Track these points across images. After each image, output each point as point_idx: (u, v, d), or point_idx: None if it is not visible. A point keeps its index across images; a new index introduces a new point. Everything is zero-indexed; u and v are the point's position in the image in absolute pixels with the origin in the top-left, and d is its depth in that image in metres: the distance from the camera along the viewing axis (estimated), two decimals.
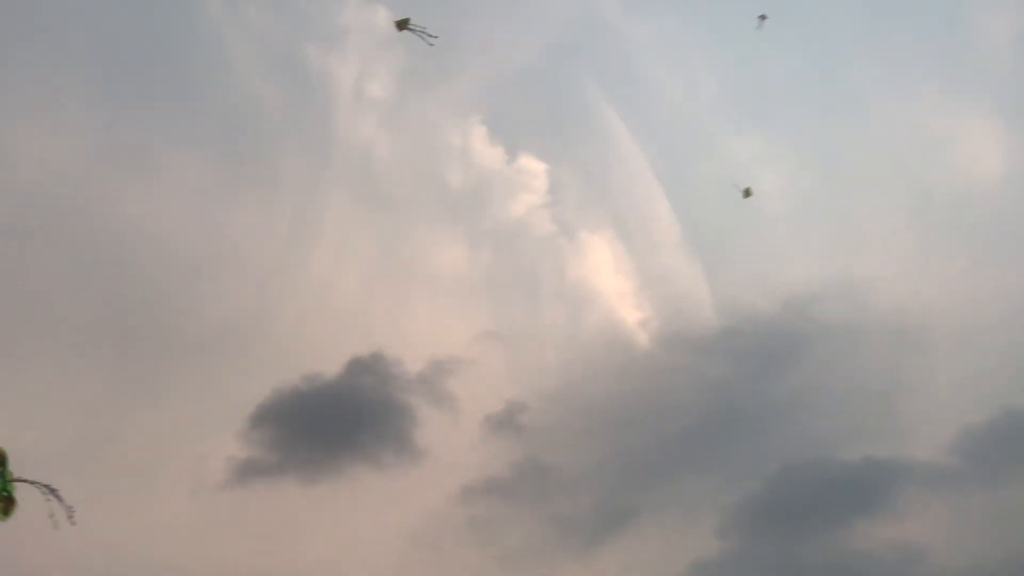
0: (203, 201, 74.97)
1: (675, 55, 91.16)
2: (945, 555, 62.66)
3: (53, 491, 20.64)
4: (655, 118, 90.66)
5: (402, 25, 46.05)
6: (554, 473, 69.60)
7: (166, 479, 61.31)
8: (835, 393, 73.53)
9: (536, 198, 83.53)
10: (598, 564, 65.06)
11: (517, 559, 64.22)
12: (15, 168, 67.43)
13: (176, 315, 68.32)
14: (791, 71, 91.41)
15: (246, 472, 63.38)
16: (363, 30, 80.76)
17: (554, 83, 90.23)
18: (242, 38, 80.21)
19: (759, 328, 77.03)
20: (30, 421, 58.80)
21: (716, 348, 77.29)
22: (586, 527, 66.66)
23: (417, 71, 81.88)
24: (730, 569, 64.37)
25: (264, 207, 76.34)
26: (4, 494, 20.35)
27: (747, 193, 61.28)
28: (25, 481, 20.64)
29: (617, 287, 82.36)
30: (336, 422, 68.14)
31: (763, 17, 58.52)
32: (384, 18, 52.29)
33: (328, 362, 68.73)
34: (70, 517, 20.42)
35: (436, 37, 45.70)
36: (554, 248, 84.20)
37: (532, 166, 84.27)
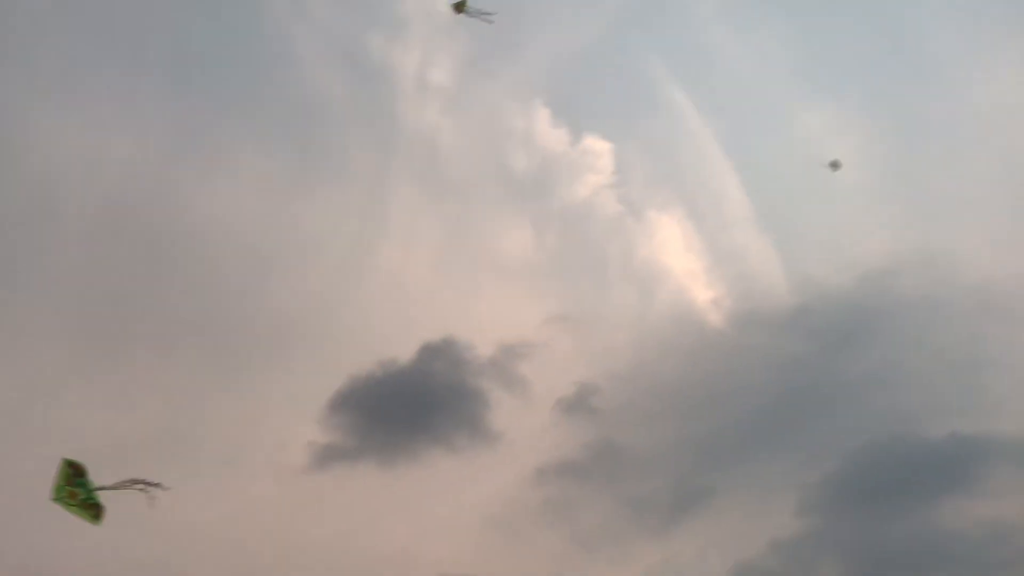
0: (274, 194, 76.79)
1: (742, 26, 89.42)
2: None
3: (137, 481, 22.08)
4: (722, 92, 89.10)
5: (459, 8, 46.26)
6: (628, 454, 69.68)
7: (251, 464, 63.23)
8: (917, 369, 71.86)
9: (602, 178, 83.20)
10: (674, 544, 65.05)
11: (593, 540, 64.59)
12: (96, 170, 70.18)
13: (253, 306, 70.37)
14: (865, 38, 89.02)
15: (326, 456, 65.08)
16: (424, 18, 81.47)
17: (617, 61, 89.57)
18: (307, 32, 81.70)
19: (834, 304, 75.67)
20: (123, 413, 61.63)
21: (790, 326, 76.27)
22: (662, 507, 66.65)
23: (478, 56, 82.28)
24: (809, 548, 63.68)
25: (333, 198, 77.87)
26: (91, 501, 22.04)
27: (835, 165, 60.23)
28: (109, 488, 22.25)
29: (687, 266, 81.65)
30: (411, 407, 69.29)
31: None
32: (444, 4, 52.73)
33: (401, 348, 70.07)
34: (155, 495, 21.78)
35: (494, 14, 45.70)
36: (622, 228, 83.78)
37: (597, 146, 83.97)
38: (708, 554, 64.23)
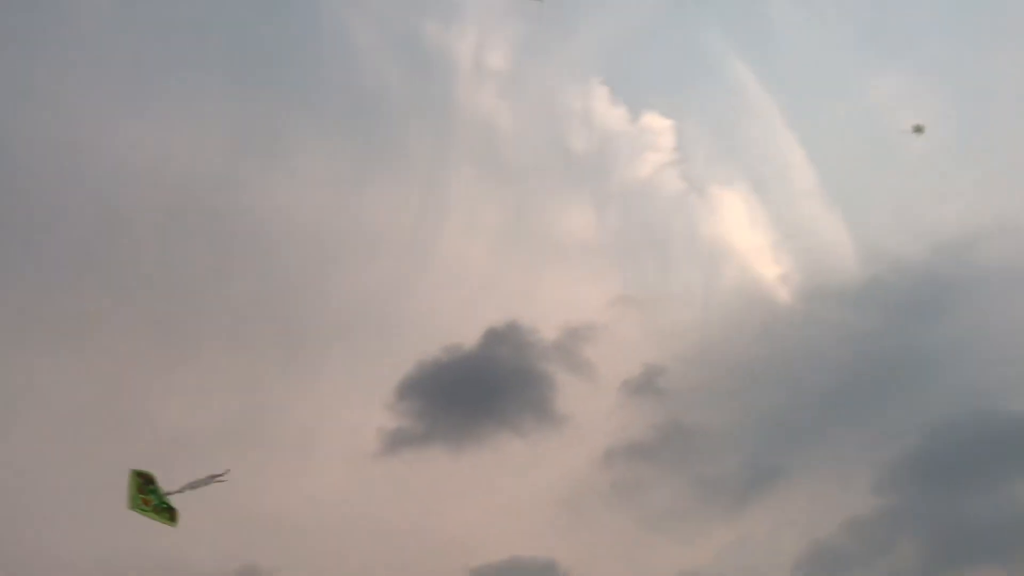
0: (336, 185, 77.88)
1: None
2: None
3: (203, 480, 23.20)
4: (784, 63, 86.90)
5: None
6: (697, 434, 68.98)
7: (322, 450, 64.62)
8: (997, 341, 69.29)
9: (663, 156, 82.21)
10: (746, 524, 64.31)
11: (663, 521, 64.24)
12: (163, 169, 72.08)
13: (320, 297, 71.69)
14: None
15: (395, 441, 65.98)
16: (478, 1, 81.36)
17: (675, 35, 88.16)
18: (362, 22, 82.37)
19: (907, 276, 73.46)
20: (197, 405, 63.60)
21: (862, 299, 74.29)
22: (732, 487, 65.83)
23: (534, 38, 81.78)
24: (887, 526, 62.31)
25: (394, 186, 78.53)
26: (164, 506, 23.19)
27: (918, 129, 58.52)
28: (177, 492, 23.43)
29: (753, 242, 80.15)
30: (477, 391, 69.82)
31: None
32: None
33: (465, 333, 70.54)
34: (225, 478, 22.80)
35: None
36: (685, 206, 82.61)
37: (657, 124, 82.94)
38: (781, 533, 63.49)
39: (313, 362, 68.18)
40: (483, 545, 60.66)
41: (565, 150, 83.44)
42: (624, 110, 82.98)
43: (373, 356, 68.84)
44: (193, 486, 23.69)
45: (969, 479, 62.82)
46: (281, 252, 71.84)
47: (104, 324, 64.10)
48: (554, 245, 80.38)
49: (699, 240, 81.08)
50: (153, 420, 60.61)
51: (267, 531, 57.16)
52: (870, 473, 65.02)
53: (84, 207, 67.06)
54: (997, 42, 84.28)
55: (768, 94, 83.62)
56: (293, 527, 57.97)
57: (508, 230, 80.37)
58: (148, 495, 23.66)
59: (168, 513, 24.03)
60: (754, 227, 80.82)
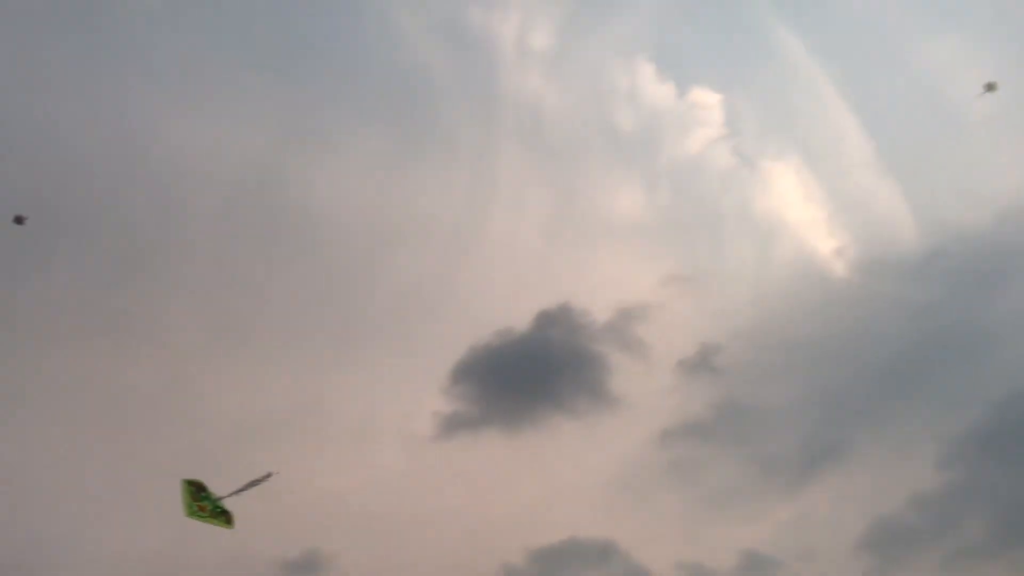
0: (384, 172, 78.21)
1: None
2: None
3: (251, 483, 23.96)
4: (835, 31, 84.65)
5: None
6: (755, 413, 68.18)
7: (378, 436, 65.39)
8: None
9: (712, 131, 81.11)
10: (806, 502, 63.51)
11: (722, 500, 63.78)
12: (215, 162, 73.18)
13: (371, 284, 72.28)
14: None
15: (451, 425, 66.40)
16: None
17: (722, 8, 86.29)
18: (405, 7, 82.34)
19: (969, 246, 71.42)
20: (255, 394, 64.79)
21: (922, 271, 72.56)
22: (792, 465, 65.02)
23: (577, 16, 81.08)
24: (953, 503, 60.95)
25: (441, 171, 78.65)
26: (219, 509, 24.03)
27: (990, 87, 56.63)
28: (229, 495, 24.20)
29: (807, 216, 78.74)
30: (531, 374, 69.86)
31: None
32: None
33: (517, 317, 70.56)
34: (265, 480, 23.60)
35: None
36: (736, 181, 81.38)
37: (705, 99, 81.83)
38: (843, 511, 62.51)
39: (366, 349, 69.09)
40: (541, 527, 60.99)
41: (612, 129, 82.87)
42: (671, 86, 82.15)
43: (426, 342, 69.38)
44: (240, 491, 24.46)
45: None
46: (331, 240, 72.69)
47: (161, 317, 65.72)
48: (604, 225, 79.98)
49: (751, 216, 79.99)
50: (212, 411, 61.96)
51: (327, 516, 58.18)
52: (934, 448, 63.73)
53: (139, 202, 68.72)
54: None
55: (819, 63, 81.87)
56: (352, 512, 58.90)
57: (557, 211, 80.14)
58: (202, 501, 24.56)
59: (224, 516, 24.98)
60: (808, 201, 79.49)
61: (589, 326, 71.28)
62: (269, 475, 24.53)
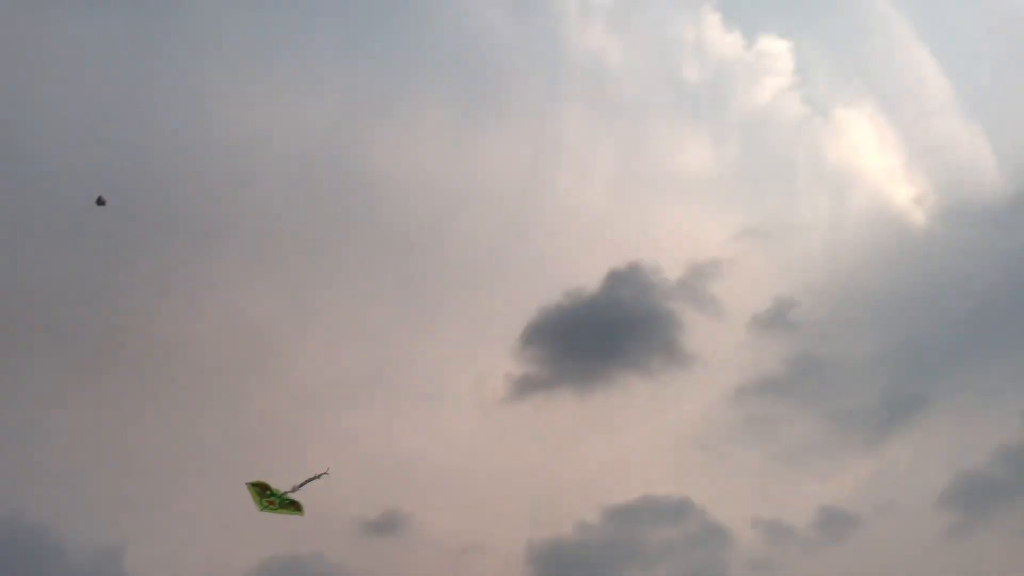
0: (449, 137, 78.54)
1: None
2: None
3: (311, 478, 25.48)
4: None
5: None
6: (832, 367, 67.02)
7: (451, 398, 66.47)
8: None
9: (782, 80, 79.23)
10: (887, 455, 62.41)
11: (799, 455, 63.02)
12: (284, 134, 74.53)
13: (439, 247, 73.06)
14: None
15: (523, 386, 66.92)
16: None
17: None
18: None
19: None
20: (332, 358, 66.46)
21: (1007, 216, 69.86)
22: (871, 419, 63.74)
23: None
24: None
25: (506, 132, 78.69)
26: (288, 501, 25.54)
27: None
28: (290, 491, 25.64)
29: (883, 164, 76.48)
30: (602, 334, 69.81)
31: None
32: None
33: (587, 277, 70.52)
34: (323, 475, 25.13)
35: None
36: (808, 131, 79.44)
37: (774, 47, 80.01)
38: (925, 464, 61.18)
39: (436, 313, 70.05)
40: (615, 485, 61.41)
41: (679, 82, 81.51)
42: (738, 35, 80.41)
43: (495, 304, 70.03)
44: (298, 487, 26.05)
45: None
46: (399, 205, 73.54)
47: (240, 286, 67.62)
48: (672, 181, 79.06)
49: (824, 166, 78.15)
50: (289, 379, 63.83)
51: (404, 478, 59.67)
52: (1022, 398, 61.53)
53: (212, 177, 70.41)
54: None
55: (895, 5, 78.86)
56: (428, 473, 60.25)
57: (624, 169, 79.44)
58: (269, 498, 26.04)
59: (294, 506, 26.51)
60: (883, 148, 77.14)
61: (660, 284, 70.97)
62: (324, 473, 26.06)
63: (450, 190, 75.11)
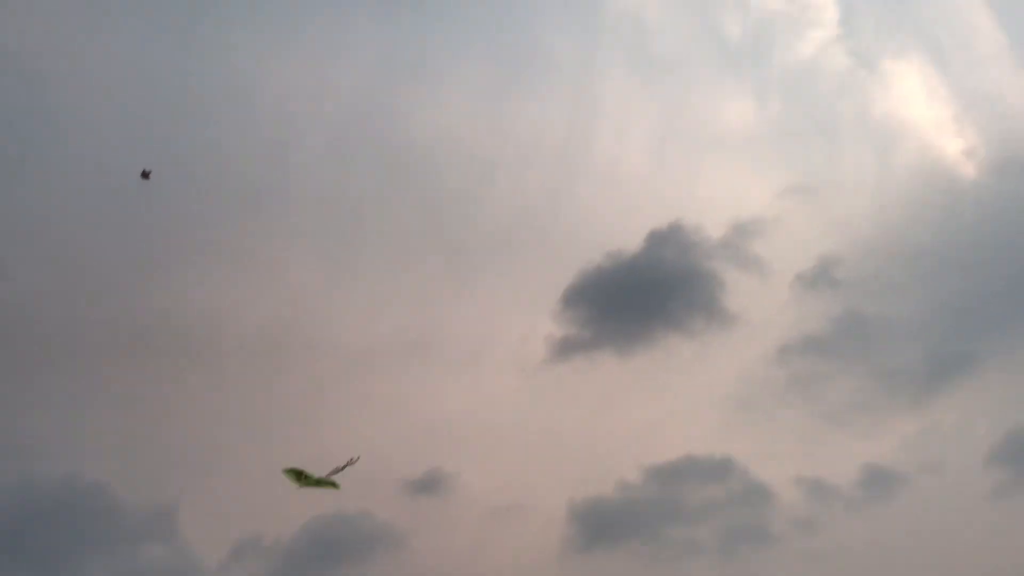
0: (487, 99, 78.12)
1: None
2: None
3: (343, 466, 26.51)
4: None
5: None
6: (878, 325, 66.12)
7: (492, 359, 67.04)
8: None
9: (827, 32, 77.24)
10: (933, 415, 61.53)
11: (843, 414, 62.51)
12: (322, 99, 74.83)
13: (478, 210, 73.06)
14: None
15: (564, 348, 67.10)
16: None
17: None
18: None
19: None
20: (373, 320, 67.33)
21: None
22: (917, 377, 62.87)
23: None
24: None
25: (543, 92, 77.95)
26: (326, 483, 26.65)
27: None
28: (325, 476, 26.72)
29: (932, 116, 74.38)
30: (643, 295, 69.59)
31: None
32: None
33: (627, 238, 70.14)
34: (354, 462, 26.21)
35: None
36: (853, 84, 77.57)
37: None
38: (974, 422, 60.29)
39: (476, 275, 70.41)
40: (656, 444, 61.61)
41: (719, 37, 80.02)
42: None
43: (535, 266, 70.17)
44: (331, 474, 27.25)
45: None
46: (438, 169, 73.68)
47: (278, 254, 68.55)
48: (714, 139, 77.92)
49: (871, 120, 76.33)
50: (331, 342, 64.80)
51: (448, 438, 60.53)
52: None
53: (251, 144, 71.18)
54: None
55: None
56: (470, 433, 61.03)
57: (664, 127, 78.41)
58: (307, 480, 27.28)
59: (331, 484, 27.71)
60: (932, 100, 75.02)
61: (702, 243, 70.39)
62: (356, 459, 27.16)
63: (489, 151, 75.06)
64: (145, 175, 43.80)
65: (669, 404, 65.12)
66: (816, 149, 76.52)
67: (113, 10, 70.30)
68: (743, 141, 77.11)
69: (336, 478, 27.60)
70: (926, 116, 74.40)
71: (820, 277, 68.22)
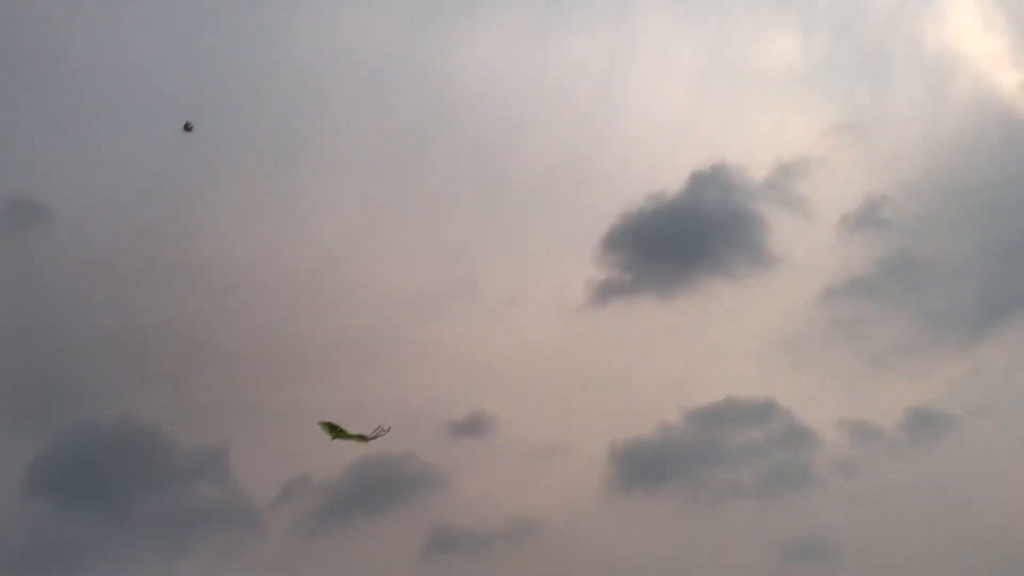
0: (524, 38, 76.61)
1: None
2: None
3: (375, 433, 27.25)
4: None
5: None
6: (926, 266, 65.00)
7: (533, 304, 67.22)
8: None
9: None
10: (982, 357, 60.56)
11: (889, 357, 61.85)
12: (354, 51, 74.00)
13: (516, 154, 72.30)
14: None
15: (605, 292, 66.99)
16: None
17: None
18: None
19: None
20: (414, 265, 67.73)
21: None
22: (966, 320, 61.94)
23: None
24: None
25: (582, 33, 76.24)
26: (356, 437, 27.47)
27: None
28: (355, 435, 27.51)
29: (988, 48, 71.57)
30: (685, 238, 69.01)
31: None
32: None
33: (669, 179, 69.26)
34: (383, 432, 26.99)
35: None
36: (904, 16, 74.69)
37: None
38: (1023, 365, 59.20)
39: (516, 220, 70.23)
40: (697, 388, 61.59)
41: None
42: None
43: (575, 210, 69.74)
44: (366, 438, 28.07)
45: None
46: (475, 114, 72.83)
47: (315, 202, 68.95)
48: (757, 77, 75.88)
49: (922, 53, 73.58)
50: (368, 289, 65.41)
51: (490, 381, 61.09)
52: None
53: (288, 95, 71.07)
54: None
55: None
56: (513, 377, 61.50)
57: (706, 66, 76.43)
58: (340, 433, 28.19)
59: (360, 437, 28.68)
60: (988, 31, 72.09)
61: (746, 184, 69.28)
62: (387, 429, 27.97)
63: (526, 93, 74.02)
64: (188, 128, 44.10)
65: (710, 347, 65.12)
66: (864, 85, 74.46)
67: None
68: (788, 78, 75.10)
69: (366, 437, 28.70)
70: (981, 48, 71.72)
71: (867, 217, 67.20)
